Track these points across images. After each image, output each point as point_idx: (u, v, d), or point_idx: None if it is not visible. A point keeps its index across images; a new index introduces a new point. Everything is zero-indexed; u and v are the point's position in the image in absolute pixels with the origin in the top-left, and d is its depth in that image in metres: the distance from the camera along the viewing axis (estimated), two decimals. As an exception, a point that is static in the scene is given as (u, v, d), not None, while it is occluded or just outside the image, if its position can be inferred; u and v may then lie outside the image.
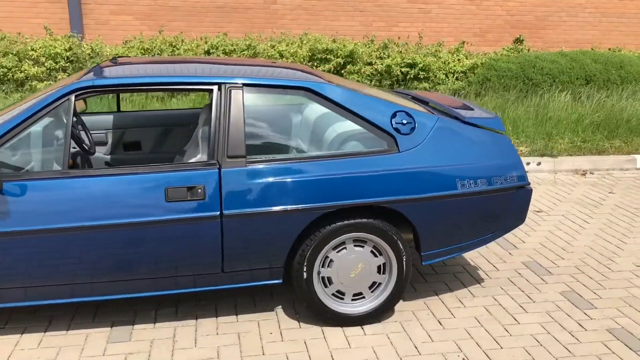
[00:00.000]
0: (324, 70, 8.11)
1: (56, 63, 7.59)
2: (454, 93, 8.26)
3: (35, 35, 8.21)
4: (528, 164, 6.03)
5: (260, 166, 2.79)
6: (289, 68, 3.37)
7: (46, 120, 2.82)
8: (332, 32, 9.17)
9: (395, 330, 3.02)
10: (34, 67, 7.52)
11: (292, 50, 8.13)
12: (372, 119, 2.95)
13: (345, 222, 2.88)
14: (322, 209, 2.82)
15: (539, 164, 6.05)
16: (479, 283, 3.56)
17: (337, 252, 2.95)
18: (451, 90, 8.26)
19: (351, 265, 2.97)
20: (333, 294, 3.01)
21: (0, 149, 2.67)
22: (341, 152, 2.91)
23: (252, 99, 2.90)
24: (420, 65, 8.30)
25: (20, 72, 7.45)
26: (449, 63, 8.50)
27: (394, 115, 3.00)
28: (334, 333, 2.98)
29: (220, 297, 3.30)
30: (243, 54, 8.14)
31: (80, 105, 3.97)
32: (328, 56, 8.19)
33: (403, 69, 8.31)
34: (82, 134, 3.63)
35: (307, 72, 3.25)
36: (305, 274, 2.91)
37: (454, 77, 8.46)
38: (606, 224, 4.59)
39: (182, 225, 2.71)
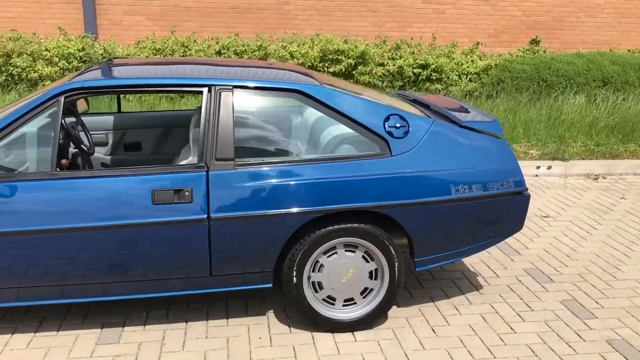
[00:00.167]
0: (334, 71, 8.07)
1: (69, 63, 7.67)
2: (466, 95, 8.15)
3: (50, 35, 8.31)
4: (538, 167, 5.92)
5: (249, 169, 2.76)
6: (285, 70, 3.34)
7: (35, 122, 2.82)
8: (345, 32, 9.12)
9: (387, 337, 2.96)
10: (48, 67, 7.61)
11: (303, 51, 8.11)
12: (365, 122, 2.90)
13: (336, 226, 2.83)
14: (312, 213, 2.78)
15: (549, 167, 5.93)
16: (477, 290, 3.48)
17: (328, 256, 2.91)
18: (464, 91, 8.16)
19: (342, 271, 2.93)
20: (324, 299, 2.97)
21: (-10, 150, 2.69)
22: (332, 156, 2.86)
23: (242, 101, 2.87)
24: (433, 67, 8.21)
25: (34, 72, 7.55)
26: (462, 64, 8.40)
27: (387, 119, 2.94)
28: (324, 339, 2.94)
29: (212, 301, 3.28)
30: (254, 54, 8.14)
31: (83, 106, 3.99)
32: (339, 57, 8.14)
33: (415, 70, 8.23)
34: (82, 134, 3.64)
35: (302, 74, 3.21)
36: (295, 278, 2.87)
37: (467, 79, 8.35)
38: (615, 231, 4.47)
39: (169, 228, 2.69)
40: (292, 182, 2.76)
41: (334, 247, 2.91)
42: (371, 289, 3.00)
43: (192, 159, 2.99)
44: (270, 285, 2.94)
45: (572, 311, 3.25)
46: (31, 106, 2.69)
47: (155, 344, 2.88)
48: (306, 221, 2.79)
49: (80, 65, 7.70)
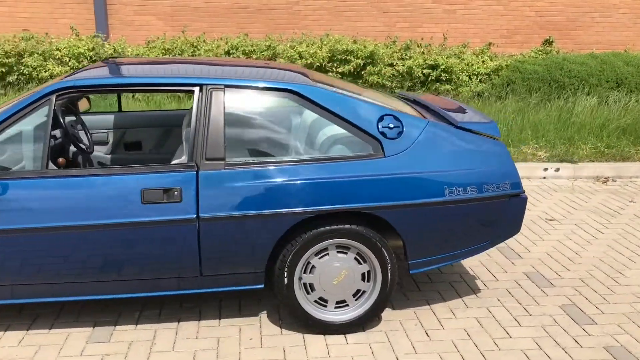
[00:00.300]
0: (343, 72, 8.04)
1: (79, 63, 7.73)
2: (476, 96, 8.07)
3: (62, 35, 8.39)
4: (546, 169, 5.83)
5: (240, 169, 2.74)
6: (281, 69, 3.32)
7: (32, 120, 2.84)
8: (355, 33, 9.08)
9: (379, 340, 2.93)
10: (58, 66, 7.68)
11: (311, 51, 8.08)
12: (357, 122, 2.87)
13: (327, 227, 2.80)
14: (302, 214, 2.75)
15: (557, 169, 5.83)
16: (475, 293, 3.43)
17: (320, 258, 2.88)
18: (473, 92, 8.07)
19: (334, 272, 2.89)
20: (315, 301, 2.94)
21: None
22: (324, 156, 2.83)
23: (233, 101, 2.85)
24: (443, 67, 8.14)
25: (45, 72, 7.63)
26: (472, 65, 8.31)
27: (380, 119, 2.91)
28: (315, 341, 2.91)
29: (205, 301, 3.26)
30: (263, 54, 8.14)
31: (84, 105, 4.01)
32: (348, 57, 8.10)
33: (425, 71, 8.17)
34: (81, 133, 3.66)
35: (298, 73, 3.19)
36: (286, 279, 2.84)
37: (477, 79, 8.26)
38: (621, 235, 4.38)
39: (158, 228, 2.69)
40: (282, 183, 2.74)
41: (326, 249, 2.88)
42: (364, 291, 2.96)
43: (183, 158, 2.98)
44: (262, 286, 2.92)
45: (571, 316, 3.18)
46: (22, 105, 2.70)
47: (146, 343, 2.87)
48: (297, 222, 2.77)
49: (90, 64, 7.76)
